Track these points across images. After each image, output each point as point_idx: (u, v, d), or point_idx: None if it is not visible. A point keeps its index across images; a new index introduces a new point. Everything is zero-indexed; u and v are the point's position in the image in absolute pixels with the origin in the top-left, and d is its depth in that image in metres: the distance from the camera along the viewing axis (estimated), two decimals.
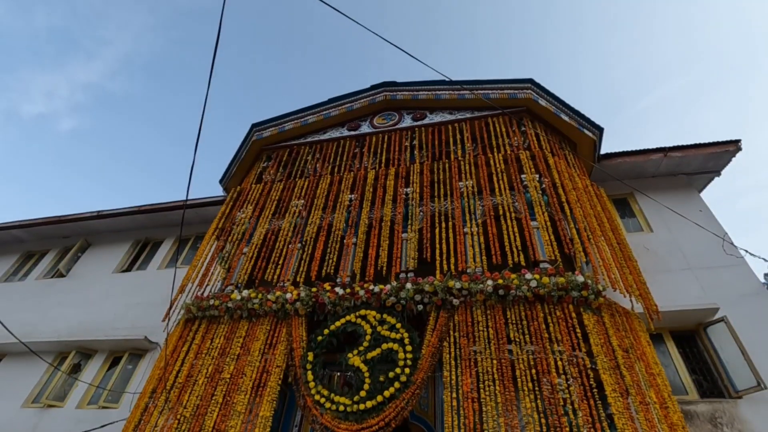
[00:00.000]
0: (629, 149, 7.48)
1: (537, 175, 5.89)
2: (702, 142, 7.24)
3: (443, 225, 5.68)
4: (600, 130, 6.91)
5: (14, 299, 9.09)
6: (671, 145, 7.31)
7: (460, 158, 6.46)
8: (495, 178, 5.88)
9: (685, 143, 7.35)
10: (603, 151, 7.36)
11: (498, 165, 6.02)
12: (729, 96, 42.17)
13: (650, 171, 7.60)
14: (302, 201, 6.79)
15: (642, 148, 7.47)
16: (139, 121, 49.32)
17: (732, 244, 6.33)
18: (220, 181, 8.36)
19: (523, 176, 5.90)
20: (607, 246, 5.06)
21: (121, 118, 48.05)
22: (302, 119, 8.10)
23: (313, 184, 6.97)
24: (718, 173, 7.51)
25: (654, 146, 7.41)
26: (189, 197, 9.45)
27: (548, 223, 5.25)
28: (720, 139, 7.17)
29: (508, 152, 6.25)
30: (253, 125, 8.19)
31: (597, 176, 7.44)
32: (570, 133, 7.00)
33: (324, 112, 8.07)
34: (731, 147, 7.09)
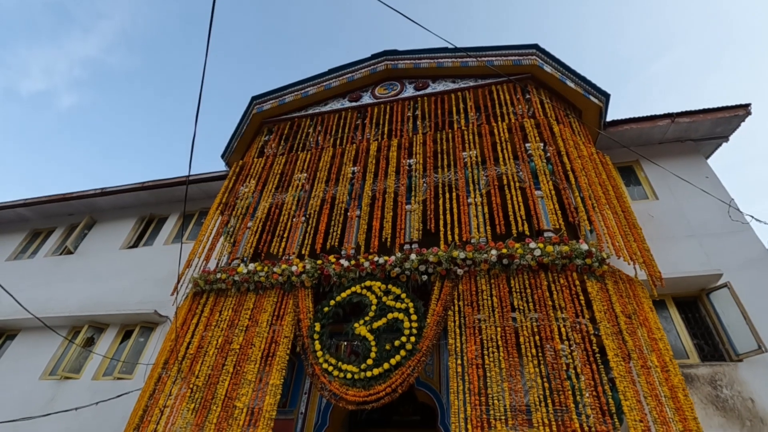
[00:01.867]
0: (636, 116, 7.35)
1: (541, 144, 5.82)
2: (711, 107, 7.09)
3: (447, 196, 5.66)
4: (606, 96, 6.76)
5: (25, 276, 9.24)
6: (679, 111, 7.17)
7: (463, 128, 6.37)
8: (499, 148, 5.82)
9: (693, 108, 7.21)
10: (609, 119, 7.24)
11: (502, 134, 5.94)
12: (740, 62, 41.01)
13: (657, 137, 7.48)
14: (305, 174, 6.76)
15: (649, 114, 7.33)
16: (139, 96, 48.77)
17: (738, 210, 6.29)
18: (222, 156, 8.32)
19: (527, 145, 5.83)
20: (612, 214, 5.04)
21: (122, 93, 47.52)
22: (302, 91, 7.96)
23: (315, 157, 6.92)
24: (726, 139, 7.39)
25: (661, 112, 7.28)
26: (192, 173, 9.46)
27: (552, 192, 5.22)
28: (729, 104, 7.02)
29: (512, 121, 6.15)
30: (253, 98, 8.07)
31: (602, 144, 7.34)
32: (575, 100, 6.87)
33: (324, 83, 7.92)
34: (741, 111, 6.94)
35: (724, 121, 7.08)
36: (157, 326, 7.64)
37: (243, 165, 7.40)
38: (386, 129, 7.04)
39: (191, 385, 4.87)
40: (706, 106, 7.17)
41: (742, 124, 7.12)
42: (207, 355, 5.04)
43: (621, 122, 7.33)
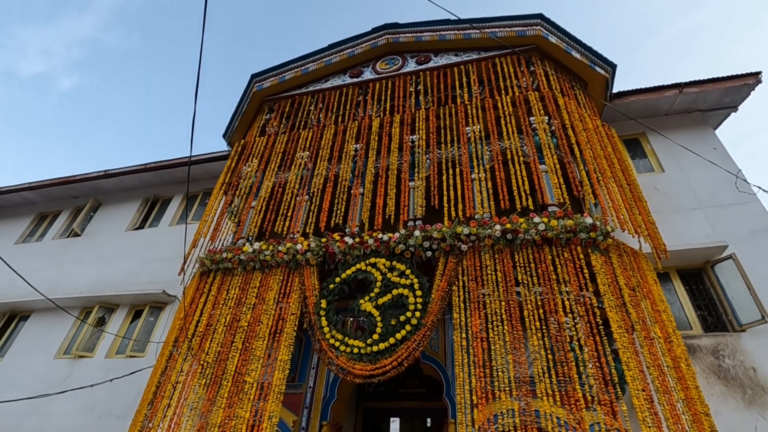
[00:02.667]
0: (643, 86, 7.20)
1: (546, 117, 5.73)
2: (720, 76, 6.93)
3: (450, 172, 5.63)
4: (613, 66, 6.61)
5: (34, 259, 9.36)
6: (687, 80, 7.02)
7: (466, 102, 6.27)
8: (503, 122, 5.74)
9: (701, 78, 7.05)
10: (615, 90, 7.10)
11: (506, 108, 5.85)
12: (751, 30, 39.79)
13: (664, 109, 7.35)
14: (307, 152, 6.73)
15: (656, 84, 7.18)
16: (139, 76, 48.22)
17: (745, 181, 6.22)
18: (224, 136, 8.27)
19: (531, 119, 5.75)
20: (617, 187, 5.01)
21: (121, 73, 46.97)
22: (302, 67, 7.83)
23: (317, 135, 6.87)
24: (735, 108, 7.24)
25: (669, 83, 7.12)
26: (194, 153, 9.44)
27: (557, 166, 5.18)
28: (739, 72, 6.85)
29: (517, 94, 6.04)
30: (253, 76, 7.96)
31: (608, 116, 7.23)
32: (581, 71, 6.72)
33: (325, 59, 7.79)
34: (751, 80, 6.78)
35: (734, 90, 6.93)
36: (166, 305, 7.77)
37: (245, 144, 7.36)
38: (388, 105, 6.95)
39: (202, 362, 4.98)
40: (716, 75, 7.00)
41: (752, 93, 6.97)
42: (216, 333, 5.14)
43: (627, 93, 7.19)
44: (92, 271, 8.68)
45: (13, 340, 8.33)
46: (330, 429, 4.90)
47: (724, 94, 7.01)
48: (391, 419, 9.44)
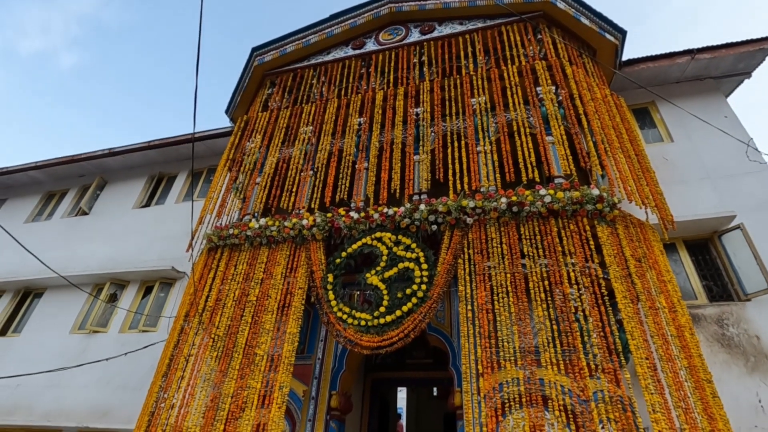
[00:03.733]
0: (653, 54, 6.99)
1: (553, 87, 5.61)
2: (734, 41, 6.70)
3: (455, 144, 5.57)
4: (623, 33, 6.41)
5: (44, 238, 9.49)
6: (699, 46, 6.80)
7: (471, 73, 6.14)
8: (509, 93, 5.63)
9: (714, 44, 6.83)
10: (624, 58, 6.90)
11: (512, 78, 5.72)
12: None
13: (675, 76, 7.16)
14: (310, 127, 6.66)
15: (667, 51, 6.98)
16: (139, 54, 47.55)
17: (756, 149, 6.11)
18: (226, 112, 8.19)
19: (538, 89, 5.63)
20: (625, 158, 4.94)
21: (121, 50, 46.35)
22: (303, 40, 7.67)
23: (320, 109, 6.79)
24: (748, 75, 7.04)
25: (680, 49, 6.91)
26: (197, 130, 9.39)
27: (564, 138, 5.10)
28: (754, 37, 6.62)
29: (523, 63, 5.90)
30: (254, 49, 7.81)
31: (617, 85, 7.06)
32: (590, 38, 6.52)
33: (326, 31, 7.60)
34: (767, 44, 6.56)
35: (748, 55, 6.72)
36: (175, 281, 7.90)
37: (247, 120, 7.29)
38: (392, 77, 6.82)
39: (213, 335, 5.10)
40: (728, 41, 6.78)
41: (767, 58, 6.75)
42: (225, 307, 5.24)
43: (637, 61, 6.99)
44: (102, 249, 8.80)
45: (29, 316, 8.55)
46: (339, 398, 5.04)
47: (738, 60, 6.80)
48: (398, 389, 9.69)
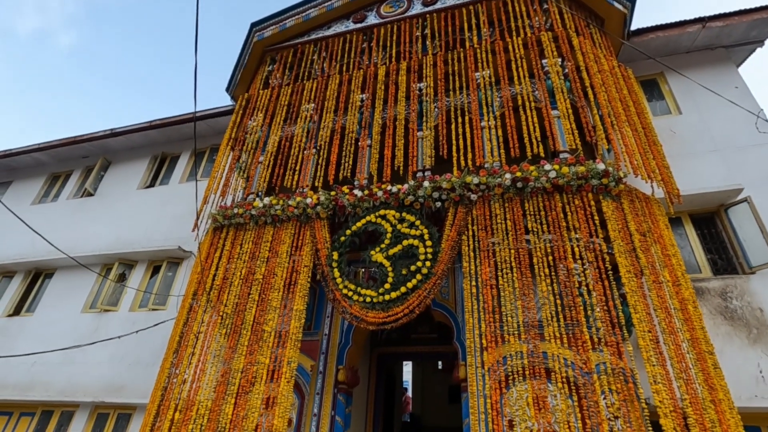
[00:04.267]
0: (662, 23, 6.79)
1: (559, 60, 5.48)
2: (747, 8, 6.49)
3: (459, 120, 5.50)
4: (632, 1, 6.21)
5: (51, 219, 9.58)
6: (710, 14, 6.59)
7: (475, 46, 6.00)
8: (514, 66, 5.51)
9: (727, 11, 6.61)
10: (633, 27, 6.71)
11: (517, 50, 5.59)
12: None
13: (685, 46, 6.96)
14: (312, 104, 6.59)
15: (677, 20, 6.76)
16: (138, 31, 46.73)
17: (766, 120, 5.99)
18: (227, 90, 8.09)
19: (544, 61, 5.50)
20: (631, 131, 4.87)
21: (118, 27, 45.54)
22: (303, 14, 7.49)
23: (321, 86, 6.69)
24: (761, 43, 6.84)
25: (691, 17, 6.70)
26: (199, 109, 9.30)
27: (570, 111, 5.02)
28: None
29: (529, 35, 5.75)
30: (253, 25, 7.65)
31: (625, 56, 6.89)
32: (597, 7, 6.32)
33: (326, 4, 7.41)
34: None
35: (762, 22, 6.51)
36: (182, 261, 8.00)
37: (249, 98, 7.22)
38: (394, 51, 6.68)
39: (221, 313, 5.20)
40: (741, 8, 6.56)
41: None
42: (233, 286, 5.31)
43: (646, 30, 6.80)
44: (108, 230, 8.89)
45: (41, 296, 8.72)
46: (346, 372, 5.16)
47: (750, 28, 6.60)
48: (404, 363, 9.88)
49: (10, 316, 8.60)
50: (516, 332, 4.13)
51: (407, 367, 12.76)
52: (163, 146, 9.98)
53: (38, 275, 9.17)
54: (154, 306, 7.66)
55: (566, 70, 5.39)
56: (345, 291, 4.93)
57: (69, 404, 7.21)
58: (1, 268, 9.24)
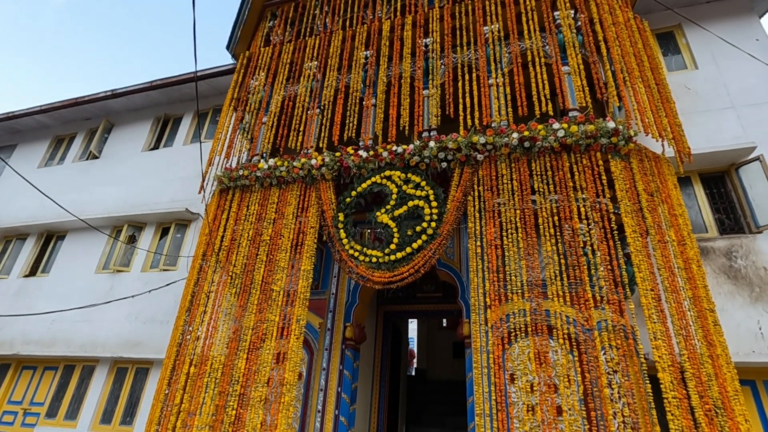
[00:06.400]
0: None
1: (572, 11, 5.25)
2: None
3: (466, 78, 5.34)
4: None
5: (58, 182, 9.65)
6: None
7: None
8: (524, 19, 5.28)
9: None
10: None
11: (528, 1, 5.33)
12: None
13: None
14: (315, 62, 6.41)
15: None
16: None
17: None
18: (227, 48, 7.86)
19: (556, 14, 5.26)
20: (644, 88, 4.71)
21: None
22: None
23: (324, 42, 6.48)
24: None
25: None
26: (200, 68, 9.08)
27: (581, 67, 4.85)
28: None
29: None
30: None
31: (641, 6, 6.54)
32: None
33: None
34: None
35: None
36: (190, 222, 8.09)
37: (250, 56, 7.02)
38: (399, 5, 6.40)
39: (230, 273, 5.31)
40: None
41: None
42: (240, 246, 5.40)
43: None
44: (116, 192, 8.96)
45: (55, 257, 8.93)
46: (353, 329, 5.32)
47: None
48: (410, 320, 10.15)
49: (26, 276, 8.85)
50: (519, 291, 4.20)
51: (413, 324, 13.13)
52: (166, 107, 9.86)
53: (50, 237, 9.35)
54: (165, 267, 7.83)
55: (579, 23, 5.16)
56: (351, 252, 5.00)
57: (89, 359, 7.56)
58: (14, 230, 9.41)
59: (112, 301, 7.28)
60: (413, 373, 11.54)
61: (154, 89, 9.32)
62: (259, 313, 5.02)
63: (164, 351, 5.83)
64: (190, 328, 5.18)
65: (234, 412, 4.60)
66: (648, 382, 3.61)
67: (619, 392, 3.67)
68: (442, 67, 5.67)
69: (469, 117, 5.05)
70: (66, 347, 7.57)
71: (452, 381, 9.78)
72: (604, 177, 4.25)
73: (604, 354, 3.82)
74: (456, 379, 9.48)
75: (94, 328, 7.58)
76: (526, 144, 4.54)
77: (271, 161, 5.66)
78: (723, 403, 3.38)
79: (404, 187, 5.01)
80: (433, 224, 4.70)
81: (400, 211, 4.93)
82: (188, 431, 4.60)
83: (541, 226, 4.29)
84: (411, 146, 5.07)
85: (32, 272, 8.96)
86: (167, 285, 7.17)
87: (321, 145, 5.72)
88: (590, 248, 4.13)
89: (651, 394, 3.55)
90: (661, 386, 3.47)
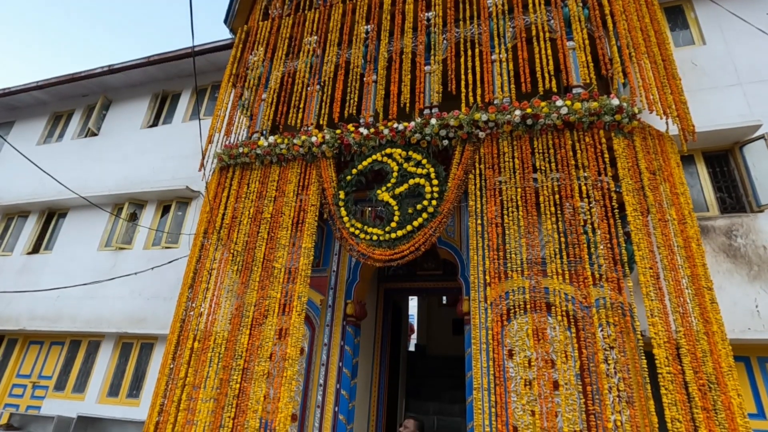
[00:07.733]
0: None
1: None
2: None
3: (469, 53, 5.24)
4: None
5: (58, 159, 9.61)
6: None
7: None
8: None
9: None
10: None
11: None
12: None
13: None
14: (315, 37, 6.28)
15: None
16: None
17: None
18: (225, 22, 7.69)
19: None
20: (650, 64, 4.63)
21: None
22: None
23: (324, 16, 6.34)
24: None
25: None
26: (197, 43, 8.91)
27: (586, 42, 4.75)
28: None
29: None
30: None
31: None
32: None
33: None
34: None
35: None
36: (191, 200, 8.10)
37: (248, 30, 6.88)
38: None
39: (232, 251, 5.35)
40: None
41: None
42: (242, 224, 5.41)
43: None
44: (116, 170, 8.93)
45: (58, 234, 8.97)
46: (354, 306, 5.39)
47: None
48: (410, 297, 10.26)
49: (30, 253, 8.92)
50: (519, 269, 4.23)
51: (413, 302, 13.29)
52: (164, 84, 9.72)
53: (52, 215, 9.38)
54: (167, 244, 7.88)
55: None
56: (352, 229, 5.01)
57: (95, 334, 7.69)
58: (15, 208, 9.43)
59: (116, 278, 7.36)
60: (413, 349, 11.75)
61: (152, 65, 9.17)
62: (261, 290, 5.08)
63: (168, 327, 5.93)
64: (193, 305, 5.25)
65: (237, 385, 4.71)
66: (644, 357, 3.67)
67: (615, 368, 3.73)
68: (445, 42, 5.56)
69: (471, 94, 4.98)
70: (71, 323, 7.69)
71: (451, 357, 9.96)
72: (606, 155, 4.23)
73: (602, 331, 3.88)
74: (455, 355, 9.66)
75: (98, 304, 7.68)
76: (529, 121, 4.49)
77: (271, 138, 5.62)
78: (717, 378, 3.45)
79: (405, 165, 4.99)
80: (434, 202, 4.69)
81: (401, 189, 4.92)
82: (193, 404, 4.72)
83: (541, 205, 4.29)
84: (412, 123, 5.02)
85: (35, 249, 9.02)
86: (170, 262, 7.23)
87: (321, 122, 5.66)
88: (590, 227, 4.14)
89: (646, 369, 3.62)
90: (656, 362, 3.53)
